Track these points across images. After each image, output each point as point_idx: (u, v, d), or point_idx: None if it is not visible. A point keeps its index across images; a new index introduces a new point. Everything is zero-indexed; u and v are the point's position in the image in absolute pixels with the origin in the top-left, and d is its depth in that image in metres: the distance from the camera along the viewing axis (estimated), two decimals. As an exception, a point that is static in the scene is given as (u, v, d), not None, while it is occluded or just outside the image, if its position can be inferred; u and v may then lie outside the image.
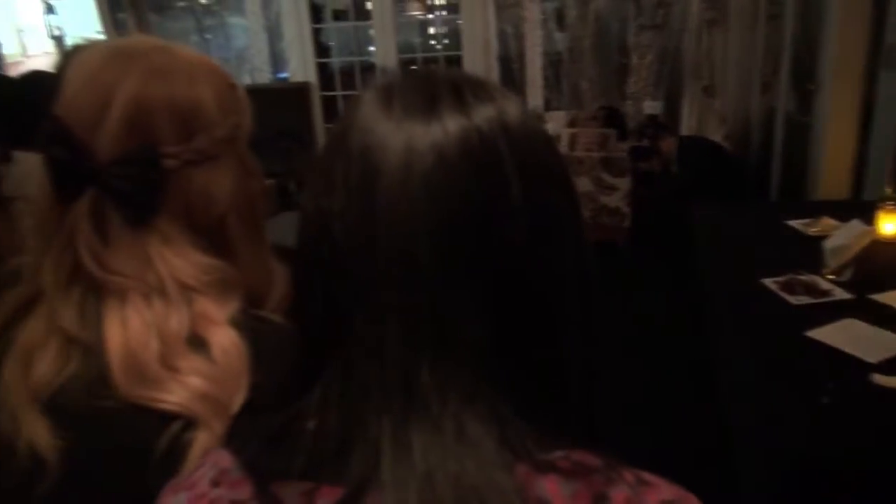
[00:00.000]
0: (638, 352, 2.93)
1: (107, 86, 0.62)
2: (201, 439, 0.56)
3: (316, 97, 4.58)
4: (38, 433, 0.57)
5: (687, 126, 4.51)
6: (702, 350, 2.71)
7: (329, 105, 4.66)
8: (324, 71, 4.68)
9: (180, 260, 0.64)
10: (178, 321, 0.62)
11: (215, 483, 0.44)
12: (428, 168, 0.40)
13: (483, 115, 0.42)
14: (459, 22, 4.36)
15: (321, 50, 4.68)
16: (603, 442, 0.46)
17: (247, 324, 0.64)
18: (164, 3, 5.65)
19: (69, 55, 1.07)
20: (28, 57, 4.25)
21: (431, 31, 4.86)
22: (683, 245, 3.09)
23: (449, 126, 0.41)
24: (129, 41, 0.68)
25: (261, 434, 0.46)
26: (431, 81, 0.45)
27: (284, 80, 4.78)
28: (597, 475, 0.40)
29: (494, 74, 4.10)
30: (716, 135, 4.05)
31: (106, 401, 0.58)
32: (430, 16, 4.75)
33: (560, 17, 4.43)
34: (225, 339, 0.62)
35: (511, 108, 0.44)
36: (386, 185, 0.40)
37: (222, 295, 0.65)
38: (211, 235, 0.67)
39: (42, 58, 4.29)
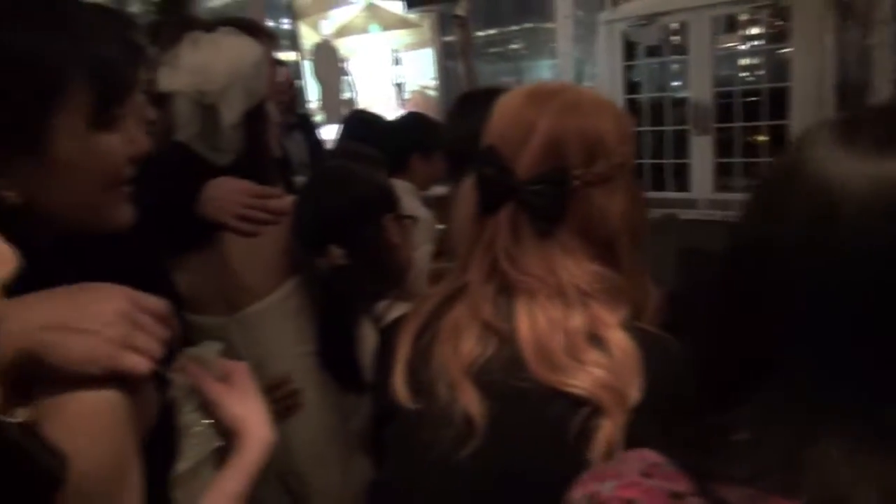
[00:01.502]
0: None
1: (529, 120, 0.74)
2: (606, 427, 0.63)
3: (622, 133, 4.61)
4: (472, 401, 0.69)
5: None
6: None
7: (636, 139, 4.64)
8: (630, 107, 4.71)
9: (578, 268, 0.73)
10: (577, 320, 0.70)
11: (646, 475, 0.48)
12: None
13: None
14: (785, 51, 4.04)
15: (629, 86, 4.72)
16: None
17: (633, 330, 0.70)
18: (480, 51, 6.20)
19: (465, 99, 1.28)
20: (374, 103, 5.07)
21: (742, 62, 4.58)
22: None
23: None
24: (542, 85, 0.81)
25: (676, 438, 0.49)
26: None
27: (591, 117, 4.90)
28: None
29: (829, 106, 3.71)
30: None
31: (523, 381, 0.68)
32: (743, 46, 4.48)
33: (919, 39, 3.83)
34: (620, 339, 0.68)
35: None
36: (847, 219, 0.42)
37: (612, 302, 0.72)
38: (602, 249, 0.75)
39: (386, 103, 5.06)
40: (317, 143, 2.70)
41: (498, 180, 0.75)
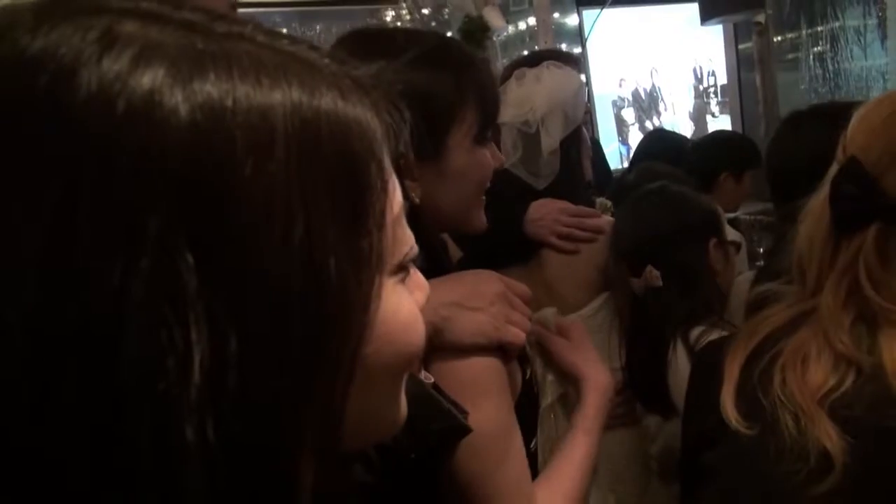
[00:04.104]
0: None
1: None
2: None
3: None
4: (829, 437, 0.64)
5: None
6: None
7: None
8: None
9: None
10: None
11: None
12: None
13: None
14: None
15: None
16: None
17: None
18: (777, 58, 5.70)
19: (796, 116, 1.20)
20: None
21: None
22: None
23: None
24: None
25: None
26: None
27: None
28: None
29: None
30: None
31: (892, 420, 0.61)
32: None
33: None
34: None
35: None
36: None
37: None
38: None
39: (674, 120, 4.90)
40: (603, 163, 2.74)
41: (861, 198, 0.69)
